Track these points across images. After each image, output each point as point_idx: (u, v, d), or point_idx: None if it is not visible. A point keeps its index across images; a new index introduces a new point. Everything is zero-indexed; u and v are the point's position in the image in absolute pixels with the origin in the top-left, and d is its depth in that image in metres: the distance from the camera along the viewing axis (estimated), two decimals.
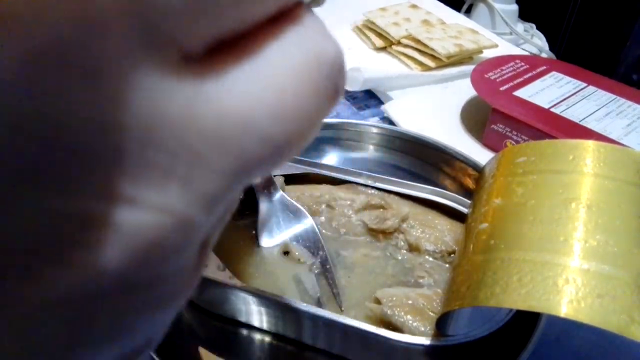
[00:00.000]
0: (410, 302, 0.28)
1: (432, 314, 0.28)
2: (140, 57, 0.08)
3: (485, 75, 0.50)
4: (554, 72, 0.51)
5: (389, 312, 0.28)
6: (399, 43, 0.61)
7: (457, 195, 0.35)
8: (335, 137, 0.44)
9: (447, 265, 0.32)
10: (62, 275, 0.08)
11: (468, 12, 0.90)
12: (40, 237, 0.07)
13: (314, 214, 0.35)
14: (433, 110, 0.52)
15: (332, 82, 0.10)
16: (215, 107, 0.09)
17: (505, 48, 0.64)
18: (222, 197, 0.09)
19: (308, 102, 0.10)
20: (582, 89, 0.49)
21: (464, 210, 0.34)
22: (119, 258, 0.08)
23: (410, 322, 0.27)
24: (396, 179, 0.36)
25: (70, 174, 0.07)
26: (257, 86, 0.09)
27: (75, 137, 0.07)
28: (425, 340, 0.26)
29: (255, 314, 0.30)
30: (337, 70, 0.10)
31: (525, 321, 0.27)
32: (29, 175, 0.07)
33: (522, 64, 0.52)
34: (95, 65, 0.07)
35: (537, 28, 0.91)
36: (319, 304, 0.30)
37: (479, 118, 0.50)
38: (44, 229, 0.07)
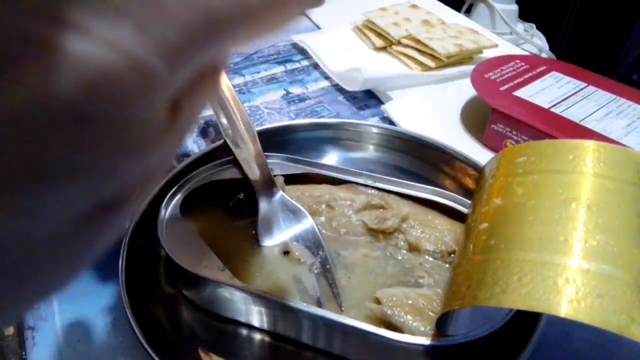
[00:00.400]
0: (410, 302, 0.28)
1: (432, 314, 0.28)
2: None
3: (485, 75, 0.50)
4: (554, 72, 0.51)
5: (389, 312, 0.28)
6: (399, 43, 0.61)
7: (457, 195, 0.35)
8: (335, 137, 0.44)
9: (447, 265, 0.32)
10: (12, 91, 0.08)
11: (468, 12, 0.90)
12: None
13: (314, 214, 0.35)
14: (433, 110, 0.52)
15: None
16: None
17: (505, 48, 0.64)
18: (188, 53, 0.09)
19: None
20: (582, 89, 0.49)
21: (464, 210, 0.34)
22: (68, 85, 0.08)
23: (410, 322, 0.27)
24: (396, 179, 0.36)
25: None
26: None
27: None
28: (425, 340, 0.26)
29: (255, 314, 0.30)
30: None
31: (525, 321, 0.27)
32: None
33: (522, 64, 0.52)
34: None
35: (537, 28, 0.91)
36: (319, 304, 0.30)
37: (479, 118, 0.50)
38: None
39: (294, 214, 0.35)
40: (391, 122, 0.50)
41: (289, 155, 0.38)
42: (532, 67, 0.52)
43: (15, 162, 0.08)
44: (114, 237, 0.12)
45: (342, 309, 0.30)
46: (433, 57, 0.58)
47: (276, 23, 0.10)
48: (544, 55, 0.82)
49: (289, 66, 0.62)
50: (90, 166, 0.09)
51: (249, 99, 0.55)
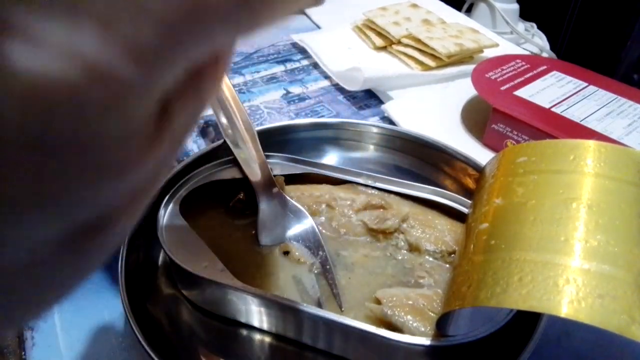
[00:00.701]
0: (410, 302, 0.28)
1: (432, 314, 0.28)
2: None
3: (486, 75, 0.50)
4: (554, 72, 0.51)
5: (389, 312, 0.28)
6: (399, 42, 0.61)
7: (457, 195, 0.35)
8: (335, 137, 0.44)
9: (447, 266, 0.32)
10: None
11: (469, 12, 0.90)
12: None
13: (314, 214, 0.35)
14: (433, 110, 0.52)
15: None
16: None
17: (506, 47, 0.64)
18: (169, 52, 0.08)
19: None
20: (582, 89, 0.48)
21: (464, 210, 0.34)
22: (12, 106, 0.07)
23: (411, 322, 0.27)
24: (396, 179, 0.36)
25: None
26: None
27: None
28: (426, 341, 0.26)
29: (255, 314, 0.30)
30: None
31: (526, 321, 0.27)
32: None
33: (523, 63, 0.52)
34: None
35: (538, 27, 0.91)
36: (318, 304, 0.30)
37: (480, 118, 0.50)
38: None
39: (294, 214, 0.35)
40: (391, 122, 0.50)
41: (289, 155, 0.38)
42: (532, 67, 0.52)
43: None
44: (109, 253, 0.11)
45: (342, 309, 0.30)
46: (433, 56, 0.58)
47: (275, 13, 0.09)
48: (544, 54, 0.82)
49: (289, 66, 0.62)
50: (58, 196, 0.08)
51: (249, 99, 0.55)
